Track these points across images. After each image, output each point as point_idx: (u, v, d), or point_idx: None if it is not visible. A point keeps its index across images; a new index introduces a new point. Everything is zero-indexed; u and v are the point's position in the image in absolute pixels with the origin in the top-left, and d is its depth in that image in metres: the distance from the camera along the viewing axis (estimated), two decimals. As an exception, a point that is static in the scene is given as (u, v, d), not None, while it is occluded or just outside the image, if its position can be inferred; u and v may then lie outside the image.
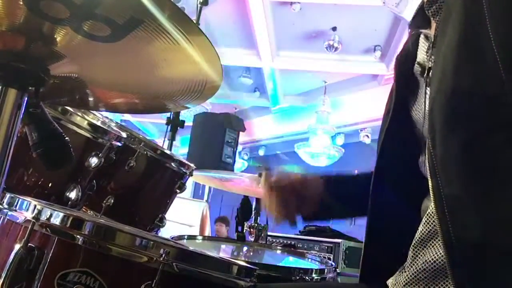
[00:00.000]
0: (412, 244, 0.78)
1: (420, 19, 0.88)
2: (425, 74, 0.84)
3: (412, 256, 0.77)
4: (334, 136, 7.16)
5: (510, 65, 0.61)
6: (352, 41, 5.36)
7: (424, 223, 0.76)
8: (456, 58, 0.68)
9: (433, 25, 0.83)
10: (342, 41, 5.26)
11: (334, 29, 5.19)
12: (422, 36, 0.90)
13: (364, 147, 6.98)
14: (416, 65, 0.90)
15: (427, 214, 0.76)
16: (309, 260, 1.68)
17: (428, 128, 0.71)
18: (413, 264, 0.76)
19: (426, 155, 0.71)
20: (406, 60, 0.94)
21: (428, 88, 0.81)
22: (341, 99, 6.74)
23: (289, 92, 7.18)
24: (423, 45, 0.89)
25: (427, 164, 0.72)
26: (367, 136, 7.11)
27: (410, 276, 0.75)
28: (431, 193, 0.69)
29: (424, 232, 0.75)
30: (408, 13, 4.22)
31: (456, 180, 0.65)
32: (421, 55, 0.89)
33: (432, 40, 0.82)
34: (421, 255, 0.75)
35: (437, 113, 0.69)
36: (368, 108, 6.41)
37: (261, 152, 8.90)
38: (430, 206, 0.75)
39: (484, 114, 0.65)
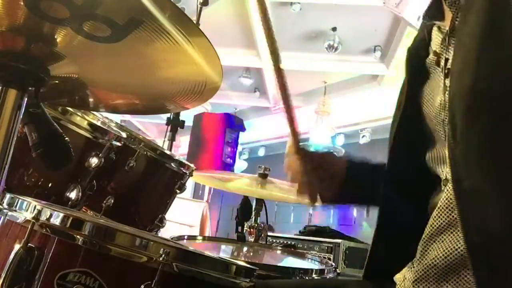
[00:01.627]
0: (422, 239, 0.77)
1: (435, 10, 0.86)
2: (443, 65, 0.82)
3: (421, 251, 0.76)
4: (334, 136, 7.16)
5: None
6: (352, 41, 5.35)
7: (434, 217, 0.75)
8: (479, 46, 0.67)
9: (449, 16, 0.81)
10: (342, 41, 5.26)
11: (334, 29, 5.19)
12: (435, 28, 0.88)
13: (364, 147, 6.98)
14: (430, 57, 0.88)
15: (438, 208, 0.74)
16: (309, 260, 1.69)
17: (448, 119, 0.69)
18: (422, 260, 0.75)
19: (446, 148, 0.69)
20: (418, 52, 0.92)
21: (447, 80, 0.79)
22: (341, 99, 6.73)
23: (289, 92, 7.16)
24: (437, 37, 0.87)
25: (447, 157, 0.70)
26: (367, 136, 7.11)
27: (420, 272, 0.75)
28: (451, 186, 0.68)
29: (434, 226, 0.74)
30: (408, 13, 4.22)
31: (477, 172, 0.64)
32: (435, 47, 0.87)
33: (448, 31, 0.81)
34: (431, 250, 0.74)
35: (457, 104, 0.68)
36: (368, 108, 6.40)
37: (261, 152, 8.89)
38: (440, 200, 0.74)
39: (507, 103, 0.64)
